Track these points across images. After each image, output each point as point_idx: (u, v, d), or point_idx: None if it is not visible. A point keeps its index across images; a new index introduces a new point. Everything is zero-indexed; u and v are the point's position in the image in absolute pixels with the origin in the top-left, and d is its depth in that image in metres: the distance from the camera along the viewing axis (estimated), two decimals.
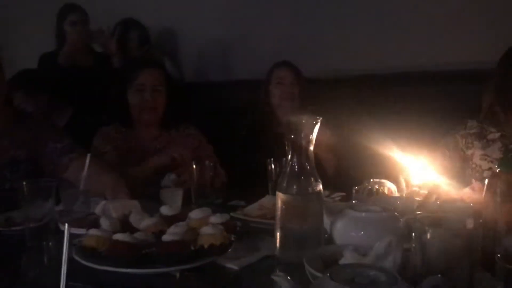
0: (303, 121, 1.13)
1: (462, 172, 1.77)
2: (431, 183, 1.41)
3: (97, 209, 1.37)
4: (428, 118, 2.16)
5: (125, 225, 1.19)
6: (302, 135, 1.13)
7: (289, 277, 0.84)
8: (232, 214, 1.42)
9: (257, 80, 2.45)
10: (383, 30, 2.65)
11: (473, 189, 1.36)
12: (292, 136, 1.13)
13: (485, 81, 1.83)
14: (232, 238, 1.13)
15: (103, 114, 2.33)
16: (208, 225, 1.14)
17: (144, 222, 1.18)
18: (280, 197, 1.13)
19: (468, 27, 2.43)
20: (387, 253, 0.94)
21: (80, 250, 1.08)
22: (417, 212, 1.20)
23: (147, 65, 2.21)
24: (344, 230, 1.13)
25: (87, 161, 1.50)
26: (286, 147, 1.16)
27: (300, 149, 1.13)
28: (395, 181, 1.49)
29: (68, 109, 2.67)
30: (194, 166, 1.66)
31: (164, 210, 1.26)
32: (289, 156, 1.15)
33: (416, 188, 1.45)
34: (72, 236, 0.94)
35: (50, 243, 1.21)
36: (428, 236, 0.90)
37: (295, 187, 1.13)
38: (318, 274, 0.93)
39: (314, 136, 1.14)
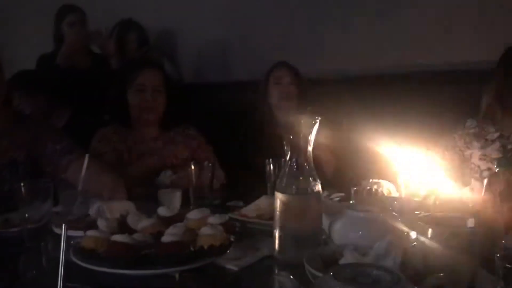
0: (302, 121, 1.13)
1: (461, 172, 1.77)
2: (430, 183, 1.40)
3: (91, 211, 1.36)
4: (428, 118, 2.16)
5: (122, 226, 1.18)
6: (301, 135, 1.13)
7: (291, 277, 0.84)
8: (229, 215, 1.42)
9: (256, 81, 2.45)
10: (382, 30, 2.65)
11: (472, 190, 1.36)
12: (291, 136, 1.13)
13: (484, 81, 1.83)
14: (232, 239, 1.13)
15: (102, 114, 2.33)
16: (207, 225, 1.13)
17: (141, 223, 1.17)
18: (279, 197, 1.13)
19: (467, 27, 2.43)
20: (387, 252, 0.94)
21: (79, 252, 1.07)
22: (416, 212, 1.20)
23: (147, 66, 2.21)
24: (343, 230, 1.13)
25: (85, 162, 1.50)
26: (285, 147, 1.16)
27: (299, 149, 1.13)
28: (394, 182, 1.48)
29: (66, 110, 2.67)
30: (193, 167, 1.65)
31: (162, 211, 1.26)
32: (288, 156, 1.14)
33: (415, 189, 1.44)
34: (68, 239, 0.93)
35: (49, 244, 1.21)
36: (429, 235, 0.89)
37: (294, 187, 1.13)
38: (319, 274, 0.93)
39: (313, 136, 1.14)
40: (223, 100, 2.91)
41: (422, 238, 0.91)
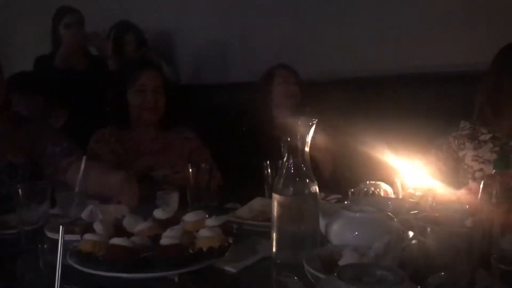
0: (299, 122, 1.13)
1: (456, 174, 1.78)
2: (426, 184, 1.41)
3: (84, 214, 1.33)
4: (423, 119, 2.17)
5: (119, 230, 1.18)
6: (298, 137, 1.13)
7: (295, 278, 0.84)
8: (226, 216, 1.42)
9: (255, 83, 2.45)
10: (379, 32, 2.66)
11: (469, 190, 1.36)
12: (288, 138, 1.14)
13: (479, 83, 1.84)
14: (230, 241, 1.13)
15: (100, 116, 2.33)
16: (205, 228, 1.13)
17: (138, 226, 1.17)
18: (276, 198, 1.13)
19: (463, 29, 2.44)
20: (386, 252, 0.94)
21: (76, 255, 1.07)
22: (412, 212, 1.20)
23: (147, 67, 2.22)
24: (339, 231, 1.14)
25: (83, 163, 1.50)
26: (282, 149, 1.16)
27: (296, 151, 1.13)
28: (391, 183, 1.49)
29: (64, 111, 2.67)
30: (190, 169, 1.65)
31: (158, 213, 1.25)
32: (285, 157, 1.15)
33: (411, 190, 1.45)
34: (63, 242, 0.92)
35: (46, 246, 1.21)
36: (428, 234, 0.89)
37: (291, 188, 1.13)
38: (320, 275, 0.93)
39: (310, 137, 1.14)
40: (221, 101, 2.91)
41: (420, 238, 0.91)
